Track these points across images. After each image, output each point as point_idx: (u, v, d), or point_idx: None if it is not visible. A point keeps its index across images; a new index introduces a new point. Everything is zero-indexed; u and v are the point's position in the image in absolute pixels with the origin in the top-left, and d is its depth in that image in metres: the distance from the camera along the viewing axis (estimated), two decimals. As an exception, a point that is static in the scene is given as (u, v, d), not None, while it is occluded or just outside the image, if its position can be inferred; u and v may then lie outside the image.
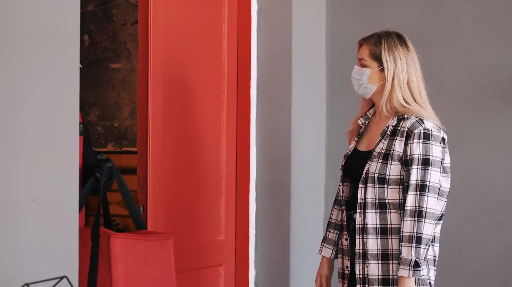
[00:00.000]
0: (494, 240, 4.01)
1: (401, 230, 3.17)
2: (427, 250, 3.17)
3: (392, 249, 3.21)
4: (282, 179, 4.29)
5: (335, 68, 4.44)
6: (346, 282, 3.34)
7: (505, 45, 4.00)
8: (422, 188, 3.17)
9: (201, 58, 4.15)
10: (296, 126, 4.31)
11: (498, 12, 4.03)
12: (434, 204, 3.17)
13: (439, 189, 3.20)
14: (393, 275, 3.20)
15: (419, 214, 3.15)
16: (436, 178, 3.18)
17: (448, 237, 4.09)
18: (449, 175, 3.29)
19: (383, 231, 3.22)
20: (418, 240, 3.13)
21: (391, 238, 3.22)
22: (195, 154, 4.11)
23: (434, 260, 3.27)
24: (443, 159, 3.22)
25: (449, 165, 3.29)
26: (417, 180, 3.17)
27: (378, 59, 3.33)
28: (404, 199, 3.19)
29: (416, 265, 3.13)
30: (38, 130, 2.77)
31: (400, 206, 3.20)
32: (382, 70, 3.32)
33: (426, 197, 3.16)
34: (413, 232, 3.14)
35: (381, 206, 3.22)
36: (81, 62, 3.04)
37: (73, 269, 2.87)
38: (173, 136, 3.85)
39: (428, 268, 3.22)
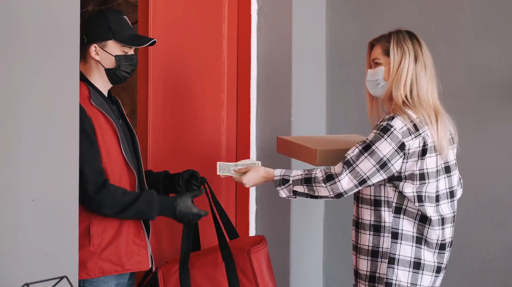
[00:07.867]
0: (494, 240, 4.01)
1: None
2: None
3: (382, 247, 3.21)
4: (282, 179, 4.28)
5: (335, 68, 4.44)
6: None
7: (505, 45, 3.99)
8: (347, 163, 3.19)
9: (201, 58, 4.15)
10: (296, 126, 4.30)
11: (498, 12, 4.02)
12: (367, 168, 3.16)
13: (388, 169, 3.15)
14: (379, 273, 3.20)
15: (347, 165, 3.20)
16: (366, 168, 3.15)
17: (448, 237, 4.09)
18: (434, 178, 3.26)
19: (376, 228, 3.23)
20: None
21: (384, 236, 3.22)
22: (195, 153, 4.10)
23: (437, 267, 3.28)
24: (388, 159, 3.14)
25: (434, 169, 3.21)
26: (348, 153, 3.20)
27: (389, 54, 3.26)
28: (391, 197, 3.18)
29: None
30: (38, 130, 2.76)
31: (389, 204, 3.20)
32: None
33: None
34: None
35: (376, 203, 3.23)
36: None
37: (73, 269, 2.87)
38: (173, 136, 3.85)
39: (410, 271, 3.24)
